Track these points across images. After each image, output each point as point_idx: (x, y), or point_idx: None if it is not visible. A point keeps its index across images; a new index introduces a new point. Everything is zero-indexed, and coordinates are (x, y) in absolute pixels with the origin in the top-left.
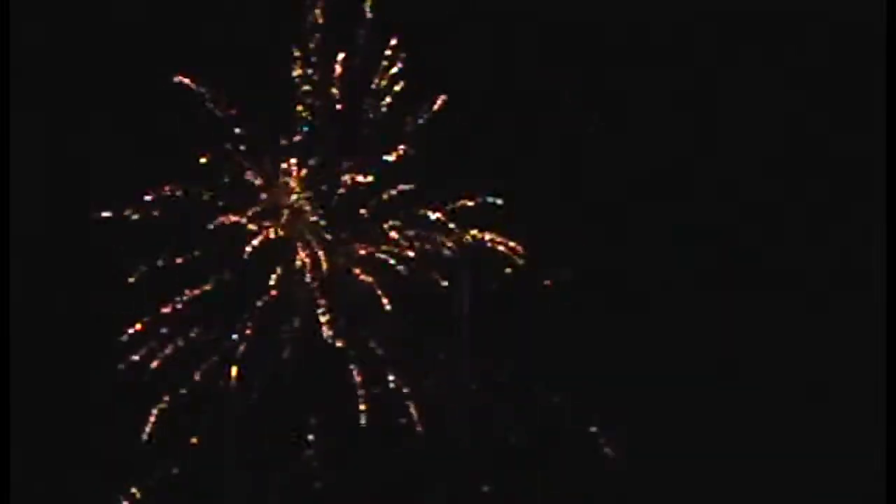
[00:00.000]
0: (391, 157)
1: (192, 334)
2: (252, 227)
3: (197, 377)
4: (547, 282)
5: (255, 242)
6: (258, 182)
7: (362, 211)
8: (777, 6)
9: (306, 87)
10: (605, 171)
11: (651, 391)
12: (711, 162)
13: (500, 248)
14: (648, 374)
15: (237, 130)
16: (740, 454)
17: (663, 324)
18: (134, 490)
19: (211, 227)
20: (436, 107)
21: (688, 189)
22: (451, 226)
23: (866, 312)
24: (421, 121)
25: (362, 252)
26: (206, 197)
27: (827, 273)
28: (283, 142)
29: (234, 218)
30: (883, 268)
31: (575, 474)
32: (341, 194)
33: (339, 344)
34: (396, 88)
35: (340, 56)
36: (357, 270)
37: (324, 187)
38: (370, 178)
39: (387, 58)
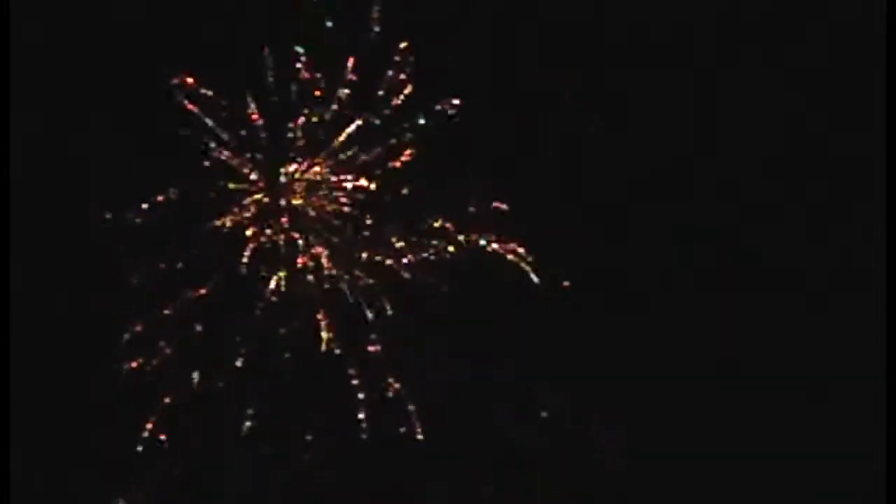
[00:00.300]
0: (397, 163)
1: (192, 335)
2: (252, 229)
3: (196, 377)
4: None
5: (252, 245)
6: (260, 184)
7: (364, 214)
8: (777, 6)
9: (315, 93)
10: (604, 171)
11: (651, 391)
12: (711, 162)
13: (505, 253)
14: (648, 373)
15: (242, 133)
16: (740, 454)
17: (663, 324)
18: (134, 490)
19: (210, 227)
20: (450, 111)
21: (688, 189)
22: (450, 228)
23: (866, 312)
24: (423, 122)
25: (364, 255)
26: (209, 195)
27: (827, 273)
28: (288, 140)
29: (233, 219)
30: (883, 268)
31: (575, 474)
32: (343, 197)
33: (337, 351)
34: (404, 93)
35: (350, 62)
36: (358, 273)
37: (325, 190)
38: (373, 185)
39: (394, 63)
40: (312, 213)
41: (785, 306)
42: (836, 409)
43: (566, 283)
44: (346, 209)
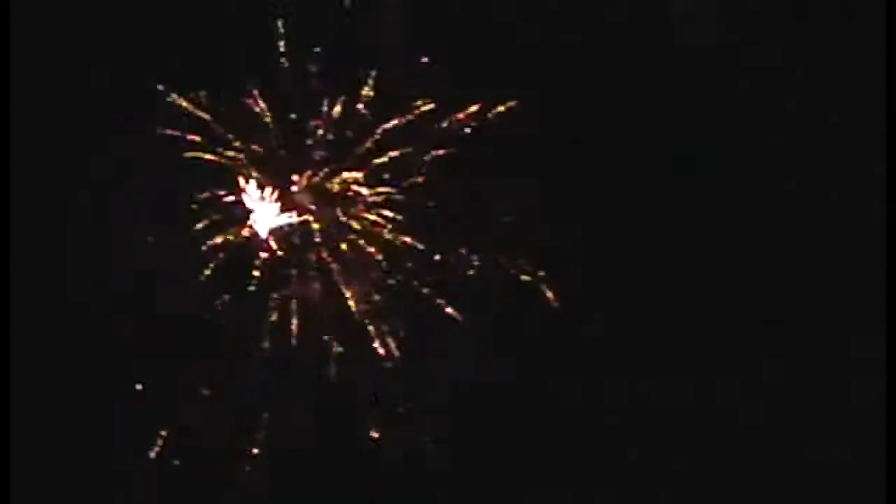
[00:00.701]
0: (418, 178)
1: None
2: (263, 250)
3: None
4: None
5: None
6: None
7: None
8: (778, 6)
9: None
10: (605, 171)
11: (651, 392)
12: (712, 161)
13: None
14: (648, 374)
15: (255, 148)
16: (740, 454)
17: (663, 324)
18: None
19: (219, 243)
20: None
21: (689, 188)
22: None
23: (866, 312)
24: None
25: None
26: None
27: (827, 272)
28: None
29: (241, 234)
30: (883, 267)
31: (578, 474)
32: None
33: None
34: (426, 108)
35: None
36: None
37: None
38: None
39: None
40: (328, 227)
41: (785, 306)
42: (836, 409)
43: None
44: (364, 224)
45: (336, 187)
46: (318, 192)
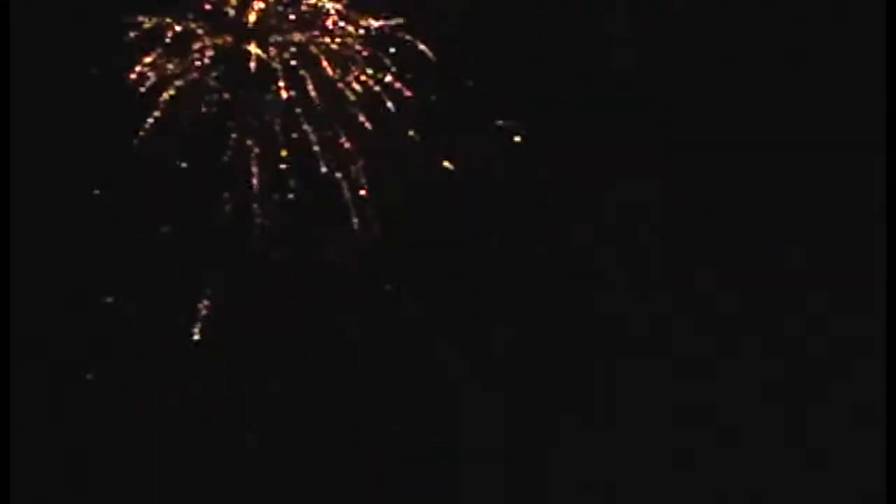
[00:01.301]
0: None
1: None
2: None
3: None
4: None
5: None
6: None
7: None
8: (778, 6)
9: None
10: (605, 169)
11: (650, 392)
12: (712, 158)
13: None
14: (648, 374)
15: None
16: (740, 455)
17: (662, 325)
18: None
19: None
20: None
21: (689, 187)
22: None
23: (866, 312)
24: None
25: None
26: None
27: (827, 273)
28: None
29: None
30: (883, 267)
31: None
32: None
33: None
34: None
35: None
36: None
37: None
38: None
39: None
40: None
41: (785, 306)
42: (836, 410)
43: None
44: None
45: (301, 14)
46: (280, 18)
